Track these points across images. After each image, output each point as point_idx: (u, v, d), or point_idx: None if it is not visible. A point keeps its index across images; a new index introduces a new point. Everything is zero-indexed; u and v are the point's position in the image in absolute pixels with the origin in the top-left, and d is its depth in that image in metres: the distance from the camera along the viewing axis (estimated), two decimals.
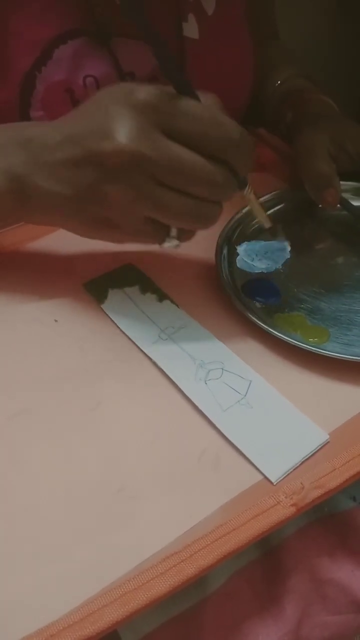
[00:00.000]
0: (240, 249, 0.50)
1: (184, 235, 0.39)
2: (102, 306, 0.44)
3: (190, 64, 0.55)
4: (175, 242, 0.39)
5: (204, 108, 0.35)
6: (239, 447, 0.35)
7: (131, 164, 0.34)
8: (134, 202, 0.36)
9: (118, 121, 0.35)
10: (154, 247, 0.40)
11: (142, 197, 0.36)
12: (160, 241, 0.39)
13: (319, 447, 0.35)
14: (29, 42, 0.48)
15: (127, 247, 0.42)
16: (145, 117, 0.34)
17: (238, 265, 0.49)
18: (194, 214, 0.36)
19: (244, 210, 0.52)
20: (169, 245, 0.39)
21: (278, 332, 0.41)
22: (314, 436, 0.36)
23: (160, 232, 0.39)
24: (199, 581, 0.36)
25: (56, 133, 0.38)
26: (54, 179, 0.38)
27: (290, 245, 0.51)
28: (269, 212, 0.54)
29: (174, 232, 0.39)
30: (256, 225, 0.53)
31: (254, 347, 0.42)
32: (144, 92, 0.35)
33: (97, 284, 0.46)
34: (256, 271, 0.48)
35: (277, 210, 0.55)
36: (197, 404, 0.38)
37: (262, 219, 0.44)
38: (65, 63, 0.49)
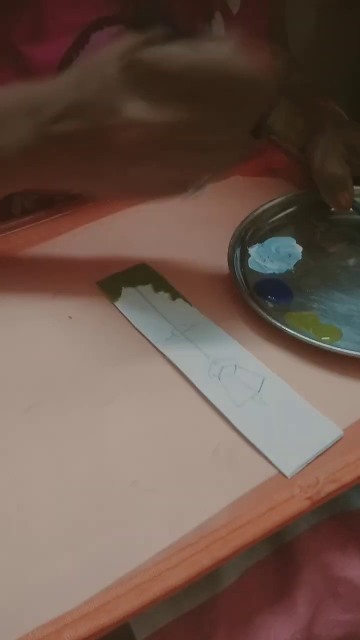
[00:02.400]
0: (252, 250, 0.50)
1: (206, 183, 0.39)
2: (115, 304, 0.45)
3: None
4: (199, 190, 0.39)
5: (207, 58, 0.34)
6: (252, 442, 0.35)
7: (145, 137, 0.34)
8: (152, 171, 0.36)
9: (118, 93, 0.34)
10: (167, 249, 0.40)
11: (166, 166, 0.35)
12: (186, 195, 0.39)
13: (333, 442, 0.35)
14: (66, 24, 0.48)
15: (140, 248, 0.42)
16: (146, 83, 0.34)
17: (250, 266, 0.49)
18: (216, 164, 0.36)
19: (255, 213, 0.52)
20: (195, 195, 0.39)
21: (291, 330, 0.41)
22: (328, 432, 0.36)
23: (184, 187, 0.38)
24: (211, 576, 0.36)
25: (58, 100, 0.37)
26: (66, 151, 0.37)
27: (302, 247, 0.51)
28: (280, 215, 0.55)
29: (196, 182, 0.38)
30: (268, 227, 0.53)
31: (266, 345, 0.42)
32: (142, 54, 0.34)
33: (111, 282, 0.47)
34: (268, 272, 0.49)
35: (289, 213, 0.55)
36: (210, 399, 0.38)
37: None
38: (103, 47, 0.50)
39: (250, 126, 0.36)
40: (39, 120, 0.37)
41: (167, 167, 0.36)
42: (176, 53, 0.34)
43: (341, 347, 0.40)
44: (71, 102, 0.36)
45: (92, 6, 0.49)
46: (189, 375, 0.39)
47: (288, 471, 0.34)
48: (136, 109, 0.34)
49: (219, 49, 0.34)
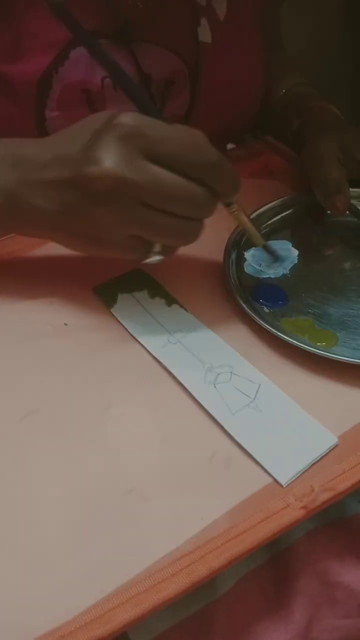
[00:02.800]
0: (248, 254, 0.50)
1: (167, 251, 0.41)
2: (111, 310, 0.45)
3: (203, 69, 0.55)
4: (158, 257, 0.41)
5: (183, 133, 0.37)
6: (248, 450, 0.36)
7: (115, 188, 0.36)
8: (119, 222, 0.38)
9: (103, 147, 0.37)
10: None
11: (127, 218, 0.38)
12: (145, 257, 0.41)
13: (328, 450, 0.36)
14: (44, 42, 0.49)
15: None
16: (128, 143, 0.36)
17: (246, 270, 0.49)
18: (177, 231, 0.38)
19: (251, 217, 0.52)
20: (152, 261, 0.41)
21: (286, 336, 0.41)
22: (323, 439, 0.36)
23: (145, 248, 0.40)
24: (208, 584, 0.36)
25: (47, 152, 0.40)
26: (43, 197, 0.40)
27: (299, 251, 0.51)
28: (276, 218, 0.55)
29: (157, 247, 0.40)
30: (264, 231, 0.53)
31: (262, 351, 0.42)
32: (127, 117, 0.37)
33: (106, 288, 0.47)
34: (264, 276, 0.49)
35: (285, 216, 0.55)
36: (206, 407, 0.38)
37: (253, 237, 0.45)
38: (83, 64, 0.50)
39: (213, 205, 0.39)
40: (24, 169, 0.40)
41: (133, 223, 0.38)
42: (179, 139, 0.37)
43: (337, 354, 0.40)
44: (56, 154, 0.39)
45: None
46: (185, 383, 0.39)
47: (283, 480, 0.34)
48: (115, 163, 0.36)
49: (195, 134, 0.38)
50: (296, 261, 0.50)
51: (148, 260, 0.41)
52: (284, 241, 0.52)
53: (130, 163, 0.36)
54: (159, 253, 0.40)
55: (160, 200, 0.37)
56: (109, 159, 0.36)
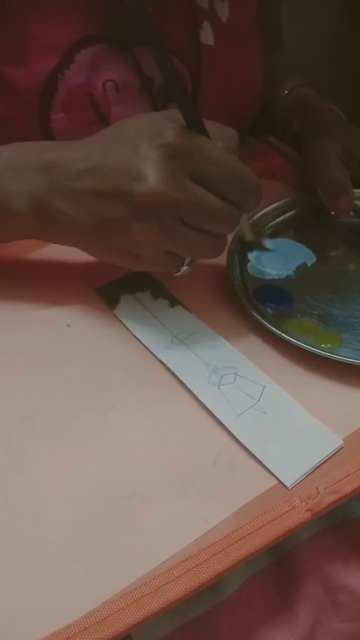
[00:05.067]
0: (252, 255, 0.50)
1: (194, 263, 0.43)
2: (114, 311, 0.45)
3: (205, 71, 0.55)
4: (187, 269, 0.42)
5: (228, 156, 0.38)
6: (253, 451, 0.35)
7: (160, 206, 0.37)
8: (158, 239, 0.38)
9: (150, 164, 0.37)
10: None
11: (167, 236, 0.38)
12: (176, 271, 0.42)
13: (334, 452, 0.35)
14: (48, 46, 0.48)
15: None
16: (175, 163, 0.37)
17: (249, 271, 0.49)
18: (210, 248, 0.40)
19: (254, 218, 0.52)
20: (182, 273, 0.42)
21: (291, 337, 0.41)
22: (328, 441, 0.36)
23: (176, 263, 0.41)
24: (212, 587, 0.36)
25: (80, 160, 0.39)
26: (75, 206, 0.39)
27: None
28: (279, 219, 0.55)
29: (187, 260, 0.42)
30: (268, 232, 0.53)
31: (266, 353, 0.42)
32: (173, 134, 0.37)
33: (109, 289, 0.46)
34: (268, 277, 0.48)
35: (288, 217, 0.55)
36: (210, 408, 0.38)
37: (246, 232, 0.48)
38: (85, 67, 0.50)
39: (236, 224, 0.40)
40: (55, 175, 0.40)
41: (170, 240, 0.38)
42: (223, 162, 0.38)
43: (341, 355, 0.40)
44: (94, 164, 0.39)
45: (75, 26, 0.49)
46: (189, 385, 0.39)
47: (288, 482, 0.34)
48: (162, 182, 0.36)
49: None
50: (300, 262, 0.50)
51: (177, 274, 0.42)
52: (299, 244, 0.52)
53: (177, 184, 0.37)
54: (187, 265, 0.42)
55: (200, 220, 0.38)
56: (157, 178, 0.36)
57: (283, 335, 0.41)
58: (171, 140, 0.37)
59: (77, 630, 0.29)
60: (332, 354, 0.40)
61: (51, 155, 0.40)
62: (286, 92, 0.67)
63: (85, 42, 0.49)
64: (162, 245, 0.39)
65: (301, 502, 0.33)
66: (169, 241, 0.38)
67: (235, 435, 0.36)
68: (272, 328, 0.42)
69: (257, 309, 0.44)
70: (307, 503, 0.33)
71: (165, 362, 0.41)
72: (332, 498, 0.33)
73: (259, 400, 0.38)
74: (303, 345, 0.41)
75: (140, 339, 0.42)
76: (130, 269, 0.43)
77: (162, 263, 0.41)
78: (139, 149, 0.37)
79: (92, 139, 0.41)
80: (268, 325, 0.42)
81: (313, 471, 0.35)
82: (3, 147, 0.42)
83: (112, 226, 0.39)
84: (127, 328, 0.43)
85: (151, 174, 0.36)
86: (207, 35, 0.55)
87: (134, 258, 0.40)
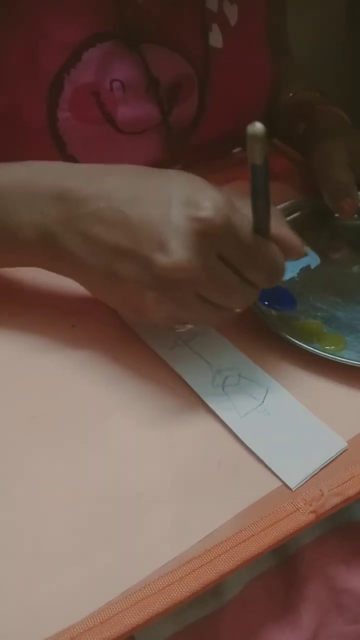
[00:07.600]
0: None
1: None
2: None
3: (213, 73, 0.55)
4: (192, 327, 0.42)
5: (261, 241, 0.35)
6: (257, 453, 0.35)
7: (180, 282, 0.34)
8: (168, 307, 0.36)
9: (180, 238, 0.33)
10: None
11: (180, 308, 0.36)
12: (179, 327, 0.42)
13: (338, 454, 0.35)
14: (58, 43, 0.48)
15: None
16: (206, 241, 0.34)
17: None
18: (219, 318, 0.37)
19: None
20: (185, 331, 0.42)
21: (294, 339, 0.41)
22: (332, 443, 0.36)
23: (179, 323, 0.41)
24: (215, 589, 0.36)
25: (100, 198, 0.35)
26: (89, 252, 0.36)
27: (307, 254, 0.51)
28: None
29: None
30: None
31: (270, 355, 0.42)
32: (212, 209, 0.33)
33: None
34: None
35: (292, 219, 0.55)
36: (215, 410, 0.38)
37: None
38: (93, 66, 0.50)
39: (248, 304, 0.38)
40: (68, 208, 0.36)
41: (181, 310, 0.36)
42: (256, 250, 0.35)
43: (345, 357, 0.40)
44: (116, 211, 0.35)
45: (85, 23, 0.49)
46: (193, 386, 0.39)
47: (292, 483, 0.34)
48: (190, 259, 0.33)
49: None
50: (304, 265, 0.50)
51: (180, 331, 0.42)
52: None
53: (205, 263, 0.34)
54: (192, 325, 0.42)
55: (217, 297, 0.36)
56: (183, 255, 0.33)
57: (287, 336, 0.41)
58: (208, 216, 0.33)
59: (81, 630, 0.29)
60: (336, 356, 0.40)
61: (68, 184, 0.37)
62: (291, 94, 0.67)
63: (94, 39, 0.49)
64: (173, 315, 0.36)
65: (305, 504, 0.33)
66: (181, 312, 0.36)
67: (239, 436, 0.36)
68: (277, 330, 0.42)
69: (261, 310, 0.44)
70: (311, 505, 0.33)
71: (170, 363, 0.41)
72: (336, 500, 0.33)
73: (262, 402, 0.38)
74: (307, 347, 0.41)
75: (145, 339, 0.43)
76: (135, 318, 0.41)
77: (167, 325, 0.40)
78: (170, 213, 0.34)
79: (121, 172, 0.37)
80: (272, 327, 0.42)
81: (317, 473, 0.35)
82: (22, 165, 0.40)
83: (122, 284, 0.36)
84: (131, 329, 0.43)
85: (178, 249, 0.33)
86: (216, 38, 0.55)
87: (139, 313, 0.37)
